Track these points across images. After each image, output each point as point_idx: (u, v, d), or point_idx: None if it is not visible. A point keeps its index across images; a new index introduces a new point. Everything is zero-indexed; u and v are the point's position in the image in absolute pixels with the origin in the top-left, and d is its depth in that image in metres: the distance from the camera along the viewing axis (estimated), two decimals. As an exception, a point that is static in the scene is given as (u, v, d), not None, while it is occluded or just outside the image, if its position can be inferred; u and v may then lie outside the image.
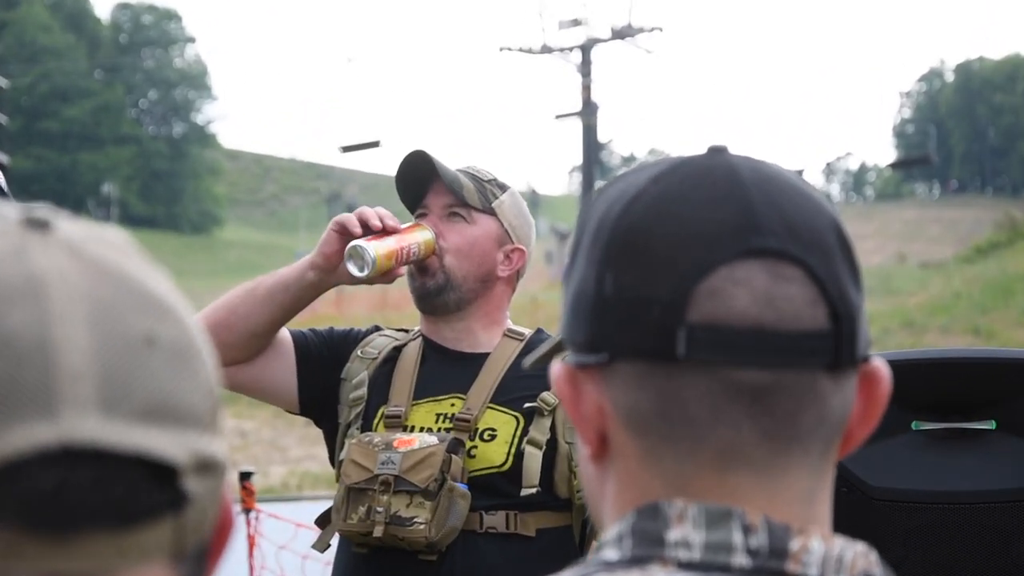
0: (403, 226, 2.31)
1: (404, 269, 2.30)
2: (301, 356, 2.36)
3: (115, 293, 0.61)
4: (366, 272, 2.21)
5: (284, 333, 2.38)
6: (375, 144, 25.16)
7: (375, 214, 2.28)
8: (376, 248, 2.22)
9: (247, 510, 5.06)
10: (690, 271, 0.74)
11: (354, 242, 2.22)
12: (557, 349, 0.87)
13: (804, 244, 0.75)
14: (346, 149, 25.24)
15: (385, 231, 2.27)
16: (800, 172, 0.81)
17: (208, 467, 0.62)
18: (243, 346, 2.28)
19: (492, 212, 2.35)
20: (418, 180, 2.36)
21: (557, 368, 0.79)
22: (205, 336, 0.65)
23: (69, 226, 0.63)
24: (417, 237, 2.29)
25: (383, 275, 2.26)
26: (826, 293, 0.74)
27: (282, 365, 2.35)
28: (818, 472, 0.75)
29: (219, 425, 0.64)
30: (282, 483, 13.82)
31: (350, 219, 2.26)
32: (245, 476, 5.07)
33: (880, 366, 0.77)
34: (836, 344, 0.74)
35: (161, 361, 0.61)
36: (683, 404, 0.73)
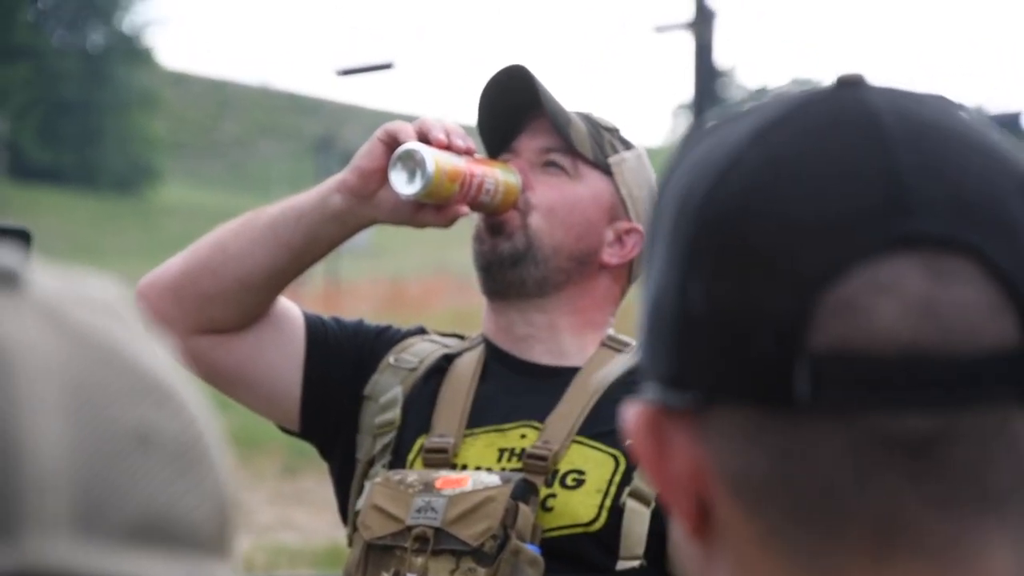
0: (478, 156, 2.35)
1: (473, 216, 2.34)
2: (314, 343, 2.40)
3: (101, 373, 0.66)
4: (418, 186, 2.23)
5: (293, 308, 2.42)
6: (386, 66, 25.24)
7: (441, 126, 2.32)
8: (438, 158, 2.25)
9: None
10: (812, 275, 0.74)
11: (407, 144, 2.26)
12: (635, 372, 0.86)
13: (979, 223, 0.75)
14: (345, 73, 25.37)
15: (452, 150, 2.30)
16: (1016, 115, 0.85)
17: None
18: (229, 302, 2.32)
19: (607, 170, 2.39)
20: (510, 111, 2.40)
21: (632, 412, 0.79)
22: (215, 430, 0.70)
23: (46, 279, 0.68)
24: (497, 173, 2.33)
25: (441, 206, 2.30)
26: (1015, 293, 0.74)
27: (285, 350, 2.39)
28: None
29: (228, 547, 0.69)
30: (247, 561, 13.96)
31: (403, 126, 2.30)
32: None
33: None
34: None
35: (157, 463, 0.66)
36: (814, 466, 0.74)
